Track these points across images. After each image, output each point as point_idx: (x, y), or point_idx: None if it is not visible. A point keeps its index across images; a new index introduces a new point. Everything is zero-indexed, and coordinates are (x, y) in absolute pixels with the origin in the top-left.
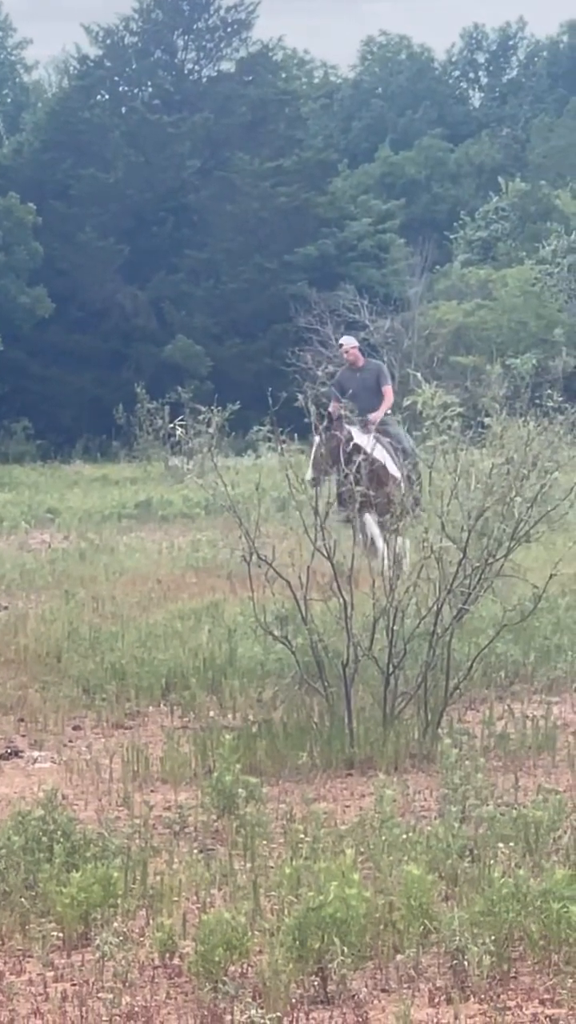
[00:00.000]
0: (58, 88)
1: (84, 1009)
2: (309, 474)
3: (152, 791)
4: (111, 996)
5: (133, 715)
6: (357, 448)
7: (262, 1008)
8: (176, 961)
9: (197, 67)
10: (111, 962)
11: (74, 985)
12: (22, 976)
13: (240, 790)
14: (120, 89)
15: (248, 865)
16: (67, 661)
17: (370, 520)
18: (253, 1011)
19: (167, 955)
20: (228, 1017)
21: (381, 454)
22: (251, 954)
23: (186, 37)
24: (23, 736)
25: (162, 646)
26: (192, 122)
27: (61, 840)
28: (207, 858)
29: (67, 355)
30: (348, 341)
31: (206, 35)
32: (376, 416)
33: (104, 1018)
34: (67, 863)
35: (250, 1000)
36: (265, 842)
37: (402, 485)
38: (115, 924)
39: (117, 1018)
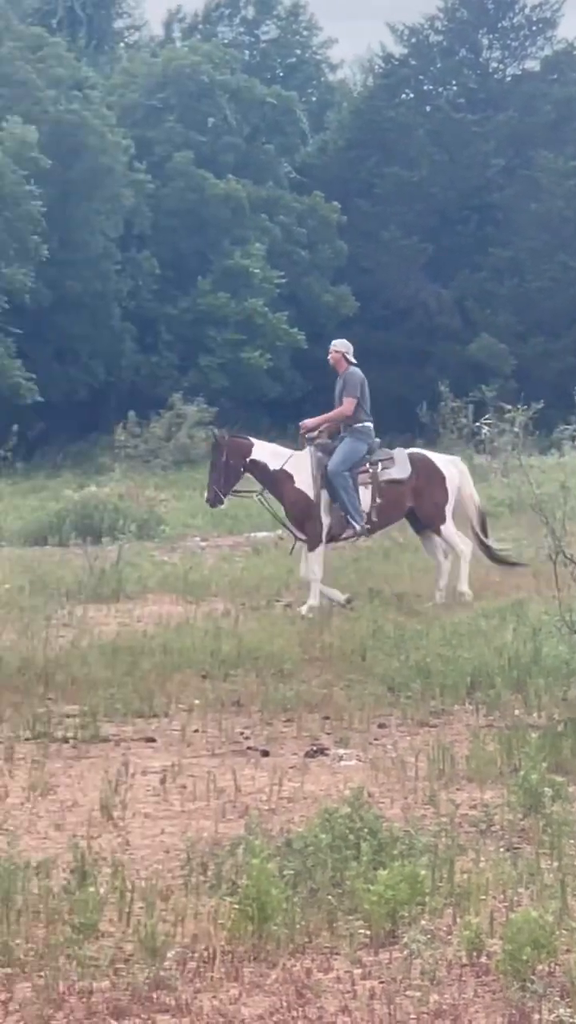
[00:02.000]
0: (363, 87)
1: (392, 1007)
2: (205, 494)
3: (458, 789)
4: (419, 994)
5: (438, 713)
6: (256, 464)
7: (570, 1007)
8: (483, 960)
9: (501, 66)
10: (419, 960)
11: (382, 983)
12: (330, 974)
13: (546, 789)
14: (424, 88)
15: (555, 864)
16: (372, 659)
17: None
18: (562, 1010)
19: (474, 953)
20: (536, 1016)
21: (296, 467)
22: (559, 953)
23: (491, 36)
24: (328, 734)
25: (466, 644)
26: (496, 121)
27: (368, 838)
28: (514, 857)
29: (371, 353)
30: (334, 343)
31: (511, 34)
32: (307, 424)
33: (412, 1016)
34: (374, 861)
35: (558, 999)
36: (572, 841)
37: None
38: (422, 922)
39: (425, 1016)
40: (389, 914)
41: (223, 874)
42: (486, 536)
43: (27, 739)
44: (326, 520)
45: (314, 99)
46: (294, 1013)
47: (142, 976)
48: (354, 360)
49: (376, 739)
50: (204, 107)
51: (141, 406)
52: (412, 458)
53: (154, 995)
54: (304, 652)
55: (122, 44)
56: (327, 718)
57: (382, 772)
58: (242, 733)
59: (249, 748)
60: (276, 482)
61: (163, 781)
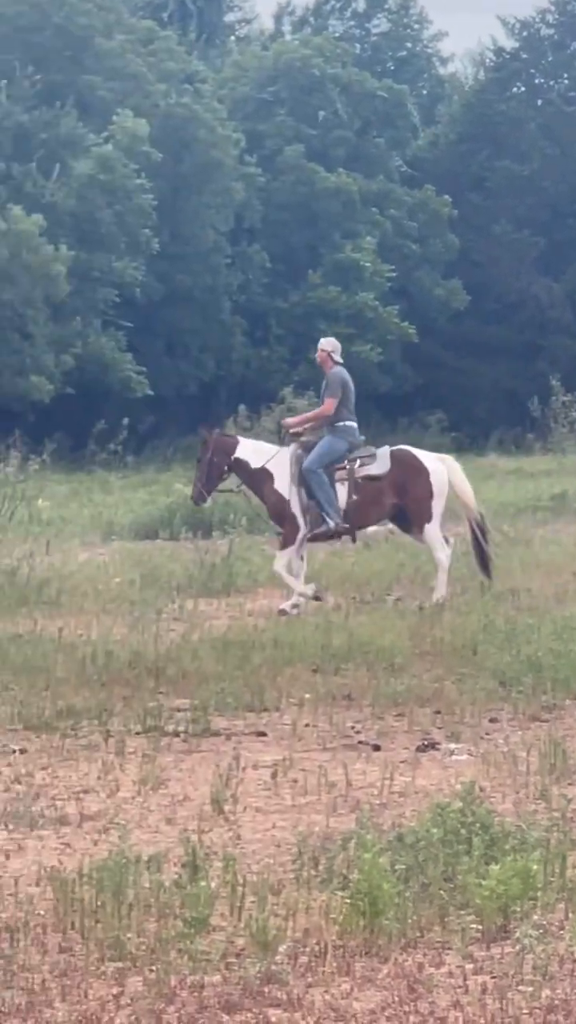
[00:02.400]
0: (474, 80)
1: (504, 1002)
2: (190, 492)
3: (570, 784)
4: (531, 989)
5: (550, 708)
6: (239, 462)
7: None
8: None
9: None
10: (531, 955)
11: (494, 978)
12: (441, 968)
13: None
14: (536, 81)
15: None
16: (483, 653)
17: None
18: None
19: None
20: None
21: (277, 466)
22: None
23: None
24: (440, 728)
25: None
26: None
27: (480, 833)
28: None
29: (482, 347)
30: (321, 342)
31: None
32: (288, 423)
33: (524, 1011)
34: (486, 856)
35: None
36: None
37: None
38: (534, 917)
39: (537, 1011)
40: (501, 909)
41: (334, 868)
42: (485, 538)
43: (138, 733)
44: (302, 519)
45: (425, 92)
46: (406, 1008)
47: (253, 970)
48: (340, 360)
49: (487, 733)
50: (315, 101)
51: (251, 400)
52: (393, 454)
53: (265, 989)
54: (415, 646)
55: (232, 38)
56: (438, 712)
57: (493, 767)
58: (353, 727)
59: (360, 742)
60: (256, 480)
61: (274, 775)
